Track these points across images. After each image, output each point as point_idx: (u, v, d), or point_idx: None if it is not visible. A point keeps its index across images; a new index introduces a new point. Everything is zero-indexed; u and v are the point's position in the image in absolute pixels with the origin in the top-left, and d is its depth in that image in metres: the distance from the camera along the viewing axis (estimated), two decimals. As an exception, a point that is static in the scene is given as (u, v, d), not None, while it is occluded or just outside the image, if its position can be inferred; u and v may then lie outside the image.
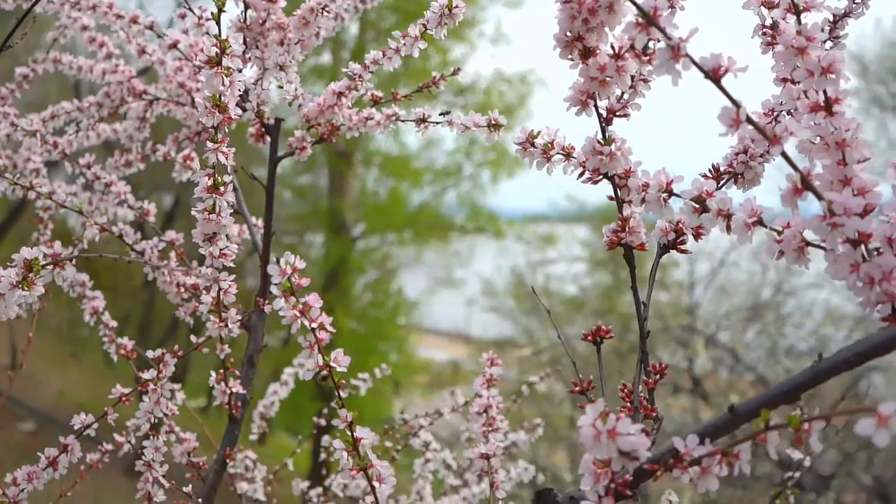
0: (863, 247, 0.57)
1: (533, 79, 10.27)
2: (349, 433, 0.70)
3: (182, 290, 1.09)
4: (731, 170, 0.74)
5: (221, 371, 1.03)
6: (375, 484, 0.70)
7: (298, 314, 0.67)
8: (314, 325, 0.67)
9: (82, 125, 1.25)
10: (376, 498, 0.70)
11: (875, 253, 0.57)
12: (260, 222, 1.20)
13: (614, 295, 9.79)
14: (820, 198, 0.55)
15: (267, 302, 1.04)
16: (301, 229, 11.84)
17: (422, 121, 1.01)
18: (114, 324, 1.15)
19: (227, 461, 1.06)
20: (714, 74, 0.55)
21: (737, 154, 0.74)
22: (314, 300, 0.68)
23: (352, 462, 0.70)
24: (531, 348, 7.99)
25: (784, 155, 0.55)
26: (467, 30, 10.85)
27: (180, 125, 1.27)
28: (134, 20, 1.13)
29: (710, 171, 0.75)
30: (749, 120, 0.54)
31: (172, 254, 1.10)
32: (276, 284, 0.66)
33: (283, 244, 11.53)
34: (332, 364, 0.69)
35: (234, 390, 1.04)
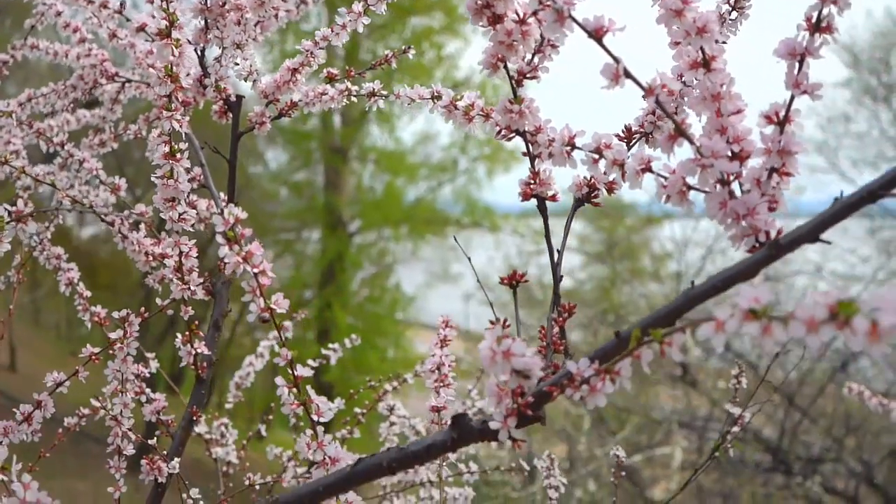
0: (736, 186, 0.64)
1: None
2: (290, 371, 0.77)
3: (150, 258, 1.16)
4: (641, 130, 0.80)
5: (187, 333, 1.09)
6: (314, 417, 0.76)
7: (241, 260, 0.73)
8: (256, 270, 0.74)
9: (57, 106, 1.32)
10: (315, 431, 0.77)
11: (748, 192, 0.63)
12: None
13: (609, 287, 9.88)
14: (692, 142, 0.62)
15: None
16: (298, 226, 11.91)
17: (372, 94, 1.07)
18: (88, 293, 1.22)
19: (195, 419, 1.13)
20: (596, 34, 0.61)
21: (647, 115, 0.80)
22: (256, 248, 0.74)
23: (293, 397, 0.77)
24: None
25: (658, 104, 0.62)
26: (461, 25, 10.92)
27: (151, 106, 1.33)
28: (104, 5, 1.20)
29: (622, 130, 0.81)
30: (627, 74, 0.61)
31: (142, 225, 1.17)
32: (219, 233, 0.73)
33: (280, 241, 11.62)
34: (273, 306, 0.75)
35: (199, 351, 1.10)
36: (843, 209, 0.56)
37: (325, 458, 0.75)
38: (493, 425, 0.65)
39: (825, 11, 0.62)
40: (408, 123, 12.16)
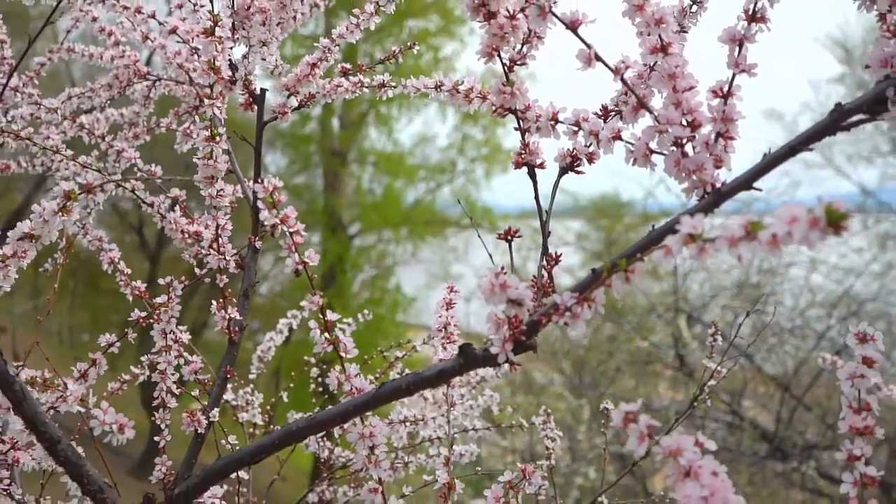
0: (689, 148, 0.77)
1: (523, 74, 10.47)
2: (321, 316, 0.90)
3: (186, 236, 1.29)
4: (616, 108, 0.94)
5: (221, 300, 1.23)
6: (342, 353, 0.90)
7: (279, 222, 0.87)
8: (292, 230, 0.88)
9: (95, 102, 1.46)
10: (343, 366, 0.90)
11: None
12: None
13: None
14: (651, 113, 0.76)
15: (258, 239, 1.24)
16: (298, 229, 12.02)
17: (381, 86, 1.21)
18: (128, 270, 1.35)
19: (228, 377, 1.26)
20: (572, 25, 0.75)
21: (619, 95, 0.94)
22: (291, 212, 0.88)
23: (324, 338, 0.90)
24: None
25: (623, 81, 0.76)
26: (458, 28, 11.08)
27: (180, 102, 1.47)
28: (138, 10, 1.33)
29: (600, 109, 0.95)
30: (597, 58, 0.75)
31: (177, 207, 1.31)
32: (260, 199, 0.86)
33: (280, 244, 11.73)
34: (306, 260, 0.89)
35: (232, 317, 1.24)
36: (771, 160, 0.70)
37: (352, 388, 0.89)
38: (492, 350, 0.79)
39: (759, 4, 0.76)
40: (406, 126, 12.30)
